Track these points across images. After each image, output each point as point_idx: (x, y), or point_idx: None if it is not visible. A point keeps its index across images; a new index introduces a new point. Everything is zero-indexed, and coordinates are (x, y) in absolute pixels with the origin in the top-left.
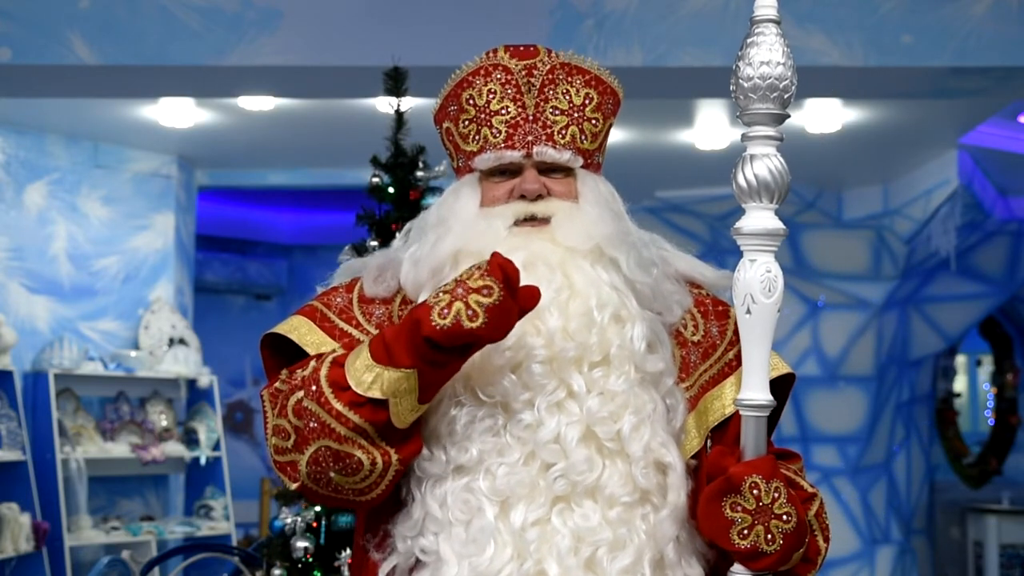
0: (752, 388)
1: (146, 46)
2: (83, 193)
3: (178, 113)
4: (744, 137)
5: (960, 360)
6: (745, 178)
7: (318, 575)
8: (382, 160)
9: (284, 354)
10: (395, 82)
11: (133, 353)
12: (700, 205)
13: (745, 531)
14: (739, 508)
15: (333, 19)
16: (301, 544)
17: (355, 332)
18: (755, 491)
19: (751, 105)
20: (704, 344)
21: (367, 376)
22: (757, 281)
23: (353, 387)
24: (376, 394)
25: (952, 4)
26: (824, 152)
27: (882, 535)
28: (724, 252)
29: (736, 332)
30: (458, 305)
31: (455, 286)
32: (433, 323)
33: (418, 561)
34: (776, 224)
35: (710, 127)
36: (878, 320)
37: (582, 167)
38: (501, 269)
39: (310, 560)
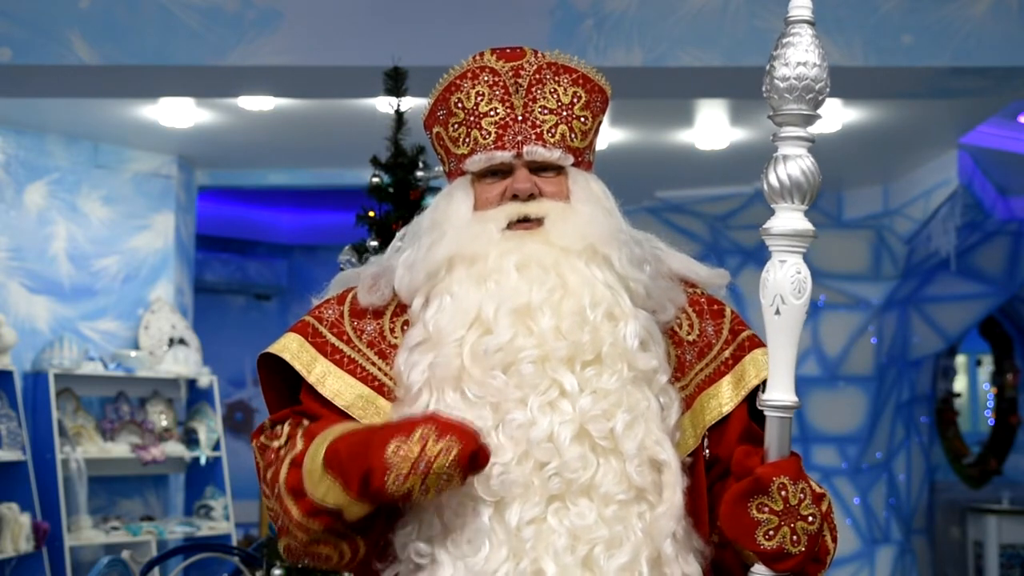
0: (778, 389)
1: (146, 46)
2: (83, 193)
3: (178, 113)
4: (775, 137)
5: (960, 360)
6: (777, 178)
7: (318, 575)
8: (382, 160)
9: (280, 367)
10: (395, 82)
11: (133, 353)
12: (700, 205)
13: (771, 532)
14: (766, 509)
15: (333, 19)
16: None
17: (346, 348)
18: (783, 492)
19: (784, 105)
20: (699, 343)
21: (321, 486)
22: (788, 282)
23: (309, 495)
24: (330, 504)
25: (952, 4)
26: (824, 152)
27: (882, 535)
28: (724, 252)
29: (731, 331)
30: (413, 479)
31: (419, 458)
32: (386, 484)
33: (417, 566)
34: (806, 225)
35: (710, 127)
36: (878, 320)
37: (573, 165)
38: (471, 460)
39: None
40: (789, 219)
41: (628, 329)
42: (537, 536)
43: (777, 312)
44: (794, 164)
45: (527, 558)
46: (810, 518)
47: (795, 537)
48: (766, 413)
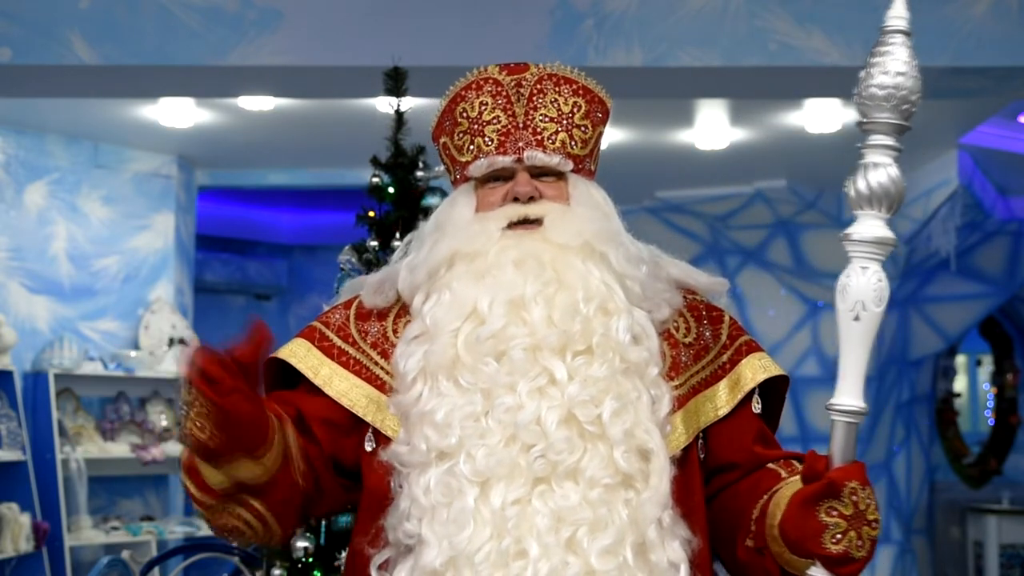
0: (847, 394)
1: (146, 46)
2: (83, 193)
3: (178, 113)
4: (863, 145)
5: (960, 360)
6: (867, 185)
7: (318, 575)
8: (382, 160)
9: (285, 373)
10: (395, 82)
11: (133, 353)
12: (700, 205)
13: (839, 536)
14: (835, 513)
15: (333, 19)
16: (301, 544)
17: (351, 350)
18: (854, 497)
19: (877, 114)
20: (696, 346)
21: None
22: (870, 289)
23: (199, 471)
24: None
25: (952, 4)
26: (824, 152)
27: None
28: (724, 252)
29: (730, 336)
30: (188, 424)
31: (188, 405)
32: (192, 434)
33: (407, 548)
34: (888, 233)
35: (710, 127)
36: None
37: (573, 171)
38: (197, 372)
39: (310, 560)
40: (873, 226)
41: (620, 323)
42: (520, 516)
43: (857, 318)
44: (883, 172)
45: (510, 537)
46: (874, 523)
47: (860, 542)
48: (833, 418)
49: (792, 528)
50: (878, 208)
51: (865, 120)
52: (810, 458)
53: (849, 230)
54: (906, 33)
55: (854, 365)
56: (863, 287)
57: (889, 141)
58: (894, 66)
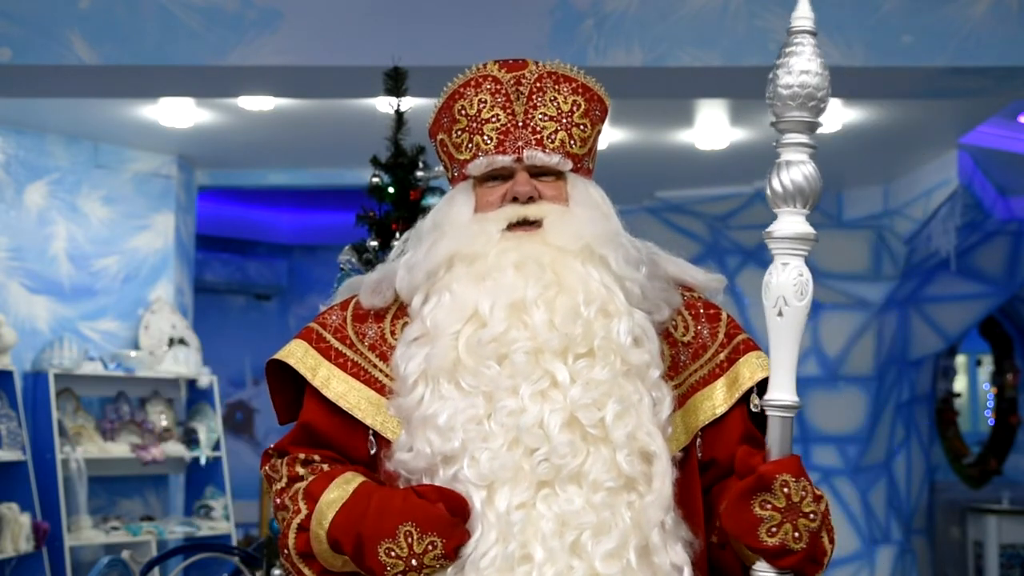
0: (780, 389)
1: (146, 46)
2: (83, 193)
3: (178, 113)
4: (778, 144)
5: (960, 360)
6: (781, 183)
7: None
8: (382, 160)
9: (287, 374)
10: (395, 82)
11: (133, 353)
12: (700, 205)
13: (774, 529)
14: (769, 506)
15: (333, 19)
16: None
17: (349, 352)
18: (785, 489)
19: (787, 113)
20: (695, 345)
21: (338, 561)
22: (790, 285)
23: (320, 560)
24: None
25: (952, 4)
26: (824, 152)
27: (882, 535)
28: (724, 252)
29: (727, 334)
30: (411, 574)
31: (408, 557)
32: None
33: None
34: (807, 228)
35: (710, 127)
36: (878, 320)
37: (572, 171)
38: (456, 550)
39: None
40: (791, 223)
41: (621, 325)
42: (526, 521)
43: (780, 314)
44: (796, 170)
45: (515, 542)
46: (811, 515)
47: (797, 534)
48: (768, 413)
49: (729, 523)
50: (794, 205)
51: (777, 119)
52: (743, 453)
53: (770, 228)
54: (811, 33)
55: (784, 360)
56: (784, 283)
57: (802, 139)
58: (798, 65)
